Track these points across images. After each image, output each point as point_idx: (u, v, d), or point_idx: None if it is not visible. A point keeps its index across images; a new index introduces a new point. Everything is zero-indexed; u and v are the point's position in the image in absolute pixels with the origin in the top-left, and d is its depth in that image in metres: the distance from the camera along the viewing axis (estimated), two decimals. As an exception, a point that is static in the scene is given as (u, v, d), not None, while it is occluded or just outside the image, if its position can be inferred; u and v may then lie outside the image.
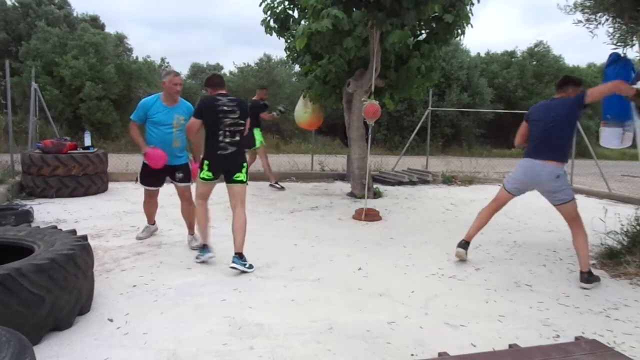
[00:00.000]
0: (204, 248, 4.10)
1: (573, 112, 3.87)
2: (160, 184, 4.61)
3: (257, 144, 7.98)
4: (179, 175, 4.52)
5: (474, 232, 4.32)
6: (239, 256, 3.86)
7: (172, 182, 4.58)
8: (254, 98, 8.19)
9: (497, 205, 4.31)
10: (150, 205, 4.77)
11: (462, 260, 4.30)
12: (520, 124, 4.27)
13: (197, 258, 4.10)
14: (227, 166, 3.94)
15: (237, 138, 3.94)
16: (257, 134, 7.96)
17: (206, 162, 3.94)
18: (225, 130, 3.88)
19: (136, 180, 4.64)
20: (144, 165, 4.46)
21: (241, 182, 3.97)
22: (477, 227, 4.32)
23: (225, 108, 3.88)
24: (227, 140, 3.89)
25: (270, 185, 8.21)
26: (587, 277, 3.81)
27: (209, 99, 3.94)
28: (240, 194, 3.99)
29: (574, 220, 3.94)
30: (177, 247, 4.55)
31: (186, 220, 4.65)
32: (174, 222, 5.45)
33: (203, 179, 3.97)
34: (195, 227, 4.45)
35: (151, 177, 4.52)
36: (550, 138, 3.92)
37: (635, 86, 3.83)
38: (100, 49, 14.46)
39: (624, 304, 3.47)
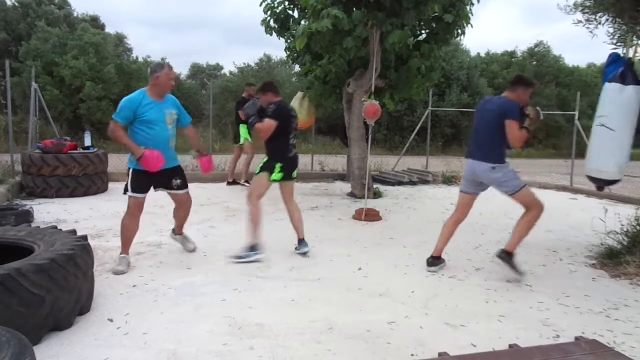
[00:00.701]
0: (255, 247, 4.22)
1: (498, 117, 3.80)
2: (149, 190, 4.03)
3: (242, 140, 8.17)
4: (177, 182, 4.08)
5: (442, 246, 4.16)
6: (303, 240, 4.47)
7: (166, 191, 4.11)
8: (243, 95, 8.26)
9: (459, 213, 4.18)
10: (136, 223, 3.96)
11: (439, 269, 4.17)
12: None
13: (243, 258, 4.15)
14: (295, 166, 4.37)
15: (296, 141, 4.45)
16: (243, 130, 8.11)
17: (279, 164, 4.22)
18: (293, 134, 4.34)
19: (125, 192, 3.93)
20: (135, 172, 3.86)
21: (294, 178, 4.46)
22: (445, 240, 4.17)
23: (293, 114, 4.38)
24: (293, 142, 4.36)
25: (236, 182, 8.38)
26: (505, 257, 3.86)
27: (283, 105, 4.34)
28: (293, 188, 4.53)
29: (529, 208, 3.87)
30: (177, 247, 4.55)
31: (178, 221, 4.36)
32: (173, 222, 5.45)
33: (274, 180, 4.27)
34: (184, 229, 4.47)
35: (144, 184, 3.92)
36: (479, 137, 3.95)
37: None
38: (100, 49, 14.46)
39: (624, 304, 3.47)
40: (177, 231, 4.47)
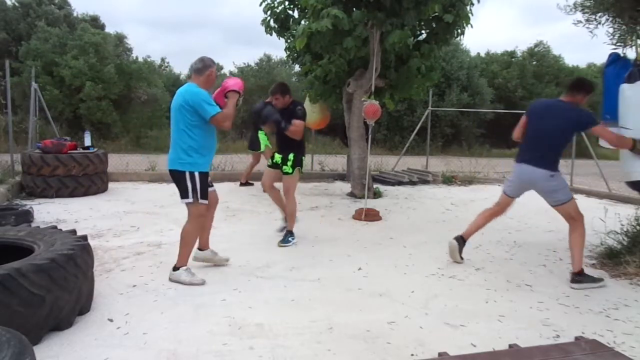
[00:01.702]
0: (293, 234, 4.79)
1: (570, 129, 3.79)
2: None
3: (262, 147, 8.03)
4: (209, 179, 3.77)
5: (473, 231, 4.26)
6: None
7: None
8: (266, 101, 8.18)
9: (499, 209, 4.25)
10: (199, 233, 3.80)
11: (455, 257, 4.25)
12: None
13: (288, 242, 4.67)
14: None
15: None
16: (262, 136, 8.02)
17: (303, 158, 4.73)
18: None
19: (195, 198, 3.55)
20: (202, 175, 3.57)
21: None
22: (477, 227, 4.26)
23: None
24: None
25: (249, 183, 8.47)
26: (578, 278, 3.79)
27: (302, 104, 4.65)
28: None
29: (573, 219, 3.90)
30: (177, 247, 4.54)
31: (207, 230, 4.00)
32: (174, 222, 5.46)
33: (301, 173, 4.82)
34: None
35: (206, 188, 3.65)
36: (541, 143, 3.84)
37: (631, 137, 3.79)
38: (100, 49, 14.45)
39: (624, 304, 3.47)
40: (204, 246, 4.01)
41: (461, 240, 4.25)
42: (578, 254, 3.83)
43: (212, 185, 3.88)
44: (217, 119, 3.48)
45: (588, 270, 4.25)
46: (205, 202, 3.62)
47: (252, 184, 8.38)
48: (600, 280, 3.84)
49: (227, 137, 15.23)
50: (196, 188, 3.54)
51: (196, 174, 3.53)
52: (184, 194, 3.57)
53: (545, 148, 3.82)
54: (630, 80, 4.09)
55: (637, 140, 3.78)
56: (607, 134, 3.76)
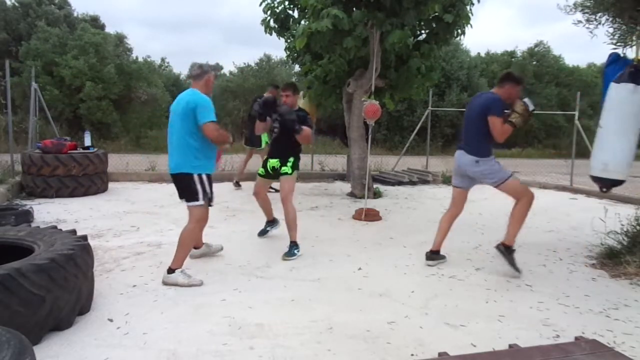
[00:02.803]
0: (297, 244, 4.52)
1: (481, 114, 3.88)
2: None
3: (263, 144, 7.89)
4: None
5: (440, 239, 4.25)
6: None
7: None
8: (265, 94, 8.10)
9: (455, 208, 4.25)
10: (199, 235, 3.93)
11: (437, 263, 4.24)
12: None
13: (293, 255, 4.36)
14: None
15: None
16: (264, 134, 7.87)
17: (298, 162, 4.66)
18: None
19: (207, 202, 3.64)
20: (209, 177, 3.64)
21: None
22: (442, 234, 4.25)
23: None
24: None
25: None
26: (505, 250, 3.93)
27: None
28: None
29: (519, 194, 3.93)
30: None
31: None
32: (173, 222, 5.46)
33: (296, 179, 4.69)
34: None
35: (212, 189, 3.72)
36: (467, 131, 4.04)
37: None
38: (100, 49, 14.45)
39: (624, 304, 3.47)
40: (199, 244, 4.14)
41: (432, 255, 4.23)
42: (513, 230, 3.94)
43: None
44: (210, 127, 3.48)
45: (588, 270, 4.27)
46: (211, 205, 3.68)
47: (240, 186, 8.22)
48: (518, 270, 3.95)
49: (227, 137, 15.21)
50: (206, 190, 3.59)
51: (204, 176, 3.58)
52: (193, 197, 3.58)
53: (470, 135, 4.01)
54: (619, 80, 4.11)
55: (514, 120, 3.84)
56: (496, 127, 3.82)
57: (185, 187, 3.60)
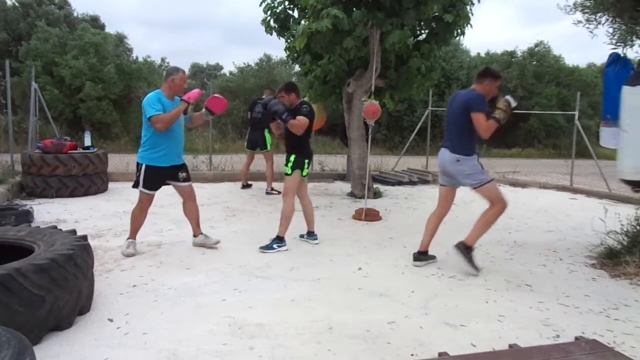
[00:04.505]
0: (283, 240, 4.55)
1: (463, 111, 3.85)
2: (161, 186, 4.33)
3: (269, 146, 7.84)
4: (183, 174, 4.36)
5: (428, 240, 4.25)
6: (313, 233, 4.92)
7: (172, 184, 4.37)
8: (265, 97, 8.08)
9: (441, 206, 4.25)
10: (144, 215, 4.35)
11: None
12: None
13: (270, 249, 4.43)
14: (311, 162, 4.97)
15: None
16: (268, 136, 7.78)
17: (307, 160, 4.60)
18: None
19: (136, 186, 4.22)
20: (147, 169, 4.15)
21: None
22: (430, 234, 4.25)
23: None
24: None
25: (268, 192, 7.83)
26: (464, 250, 3.93)
27: (310, 105, 4.62)
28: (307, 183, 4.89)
29: (493, 200, 3.92)
30: (177, 247, 4.55)
31: (192, 220, 4.53)
32: (174, 222, 5.46)
33: (305, 175, 4.62)
34: (194, 226, 4.60)
35: (156, 180, 4.23)
36: (449, 129, 4.04)
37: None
38: (100, 49, 14.46)
39: (624, 304, 3.47)
40: (196, 232, 4.56)
41: (420, 255, 4.24)
42: (478, 231, 3.94)
43: (188, 181, 4.41)
44: (152, 120, 3.99)
45: (588, 270, 4.27)
46: (146, 191, 4.21)
47: (250, 185, 8.30)
48: (477, 269, 3.95)
49: (227, 137, 15.24)
50: (139, 179, 4.19)
51: (143, 166, 4.14)
52: (135, 183, 4.26)
53: (452, 133, 4.00)
54: (631, 82, 4.08)
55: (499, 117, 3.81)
56: (481, 123, 3.78)
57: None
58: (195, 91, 4.25)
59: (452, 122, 4.00)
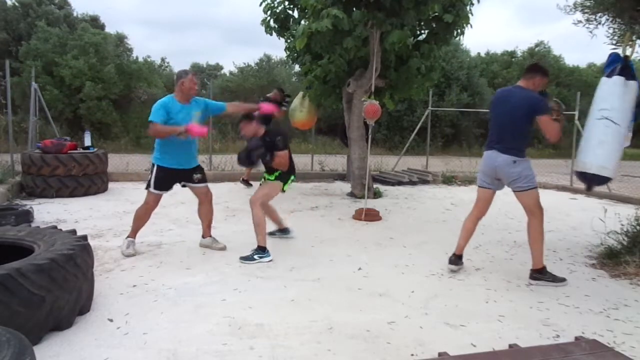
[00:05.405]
0: (265, 250, 4.28)
1: (526, 114, 3.70)
2: (170, 188, 4.34)
3: None
4: (197, 176, 4.35)
5: (463, 243, 4.11)
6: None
7: (188, 186, 4.37)
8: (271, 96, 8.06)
9: (479, 208, 4.10)
10: (148, 216, 4.36)
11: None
12: None
13: (251, 260, 4.15)
14: None
15: None
16: None
17: (292, 177, 4.50)
18: None
19: (148, 187, 4.25)
20: (159, 169, 4.18)
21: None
22: (465, 237, 4.11)
23: (285, 130, 4.66)
24: None
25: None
26: (538, 276, 3.82)
27: (279, 127, 4.62)
28: None
29: (531, 212, 3.83)
30: (177, 247, 4.55)
31: (205, 222, 4.52)
32: (174, 222, 5.46)
33: (284, 190, 4.50)
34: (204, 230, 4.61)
35: (166, 181, 4.25)
36: (503, 130, 3.81)
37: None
38: (101, 49, 14.46)
39: (624, 304, 3.47)
40: (205, 234, 4.57)
41: (457, 259, 4.11)
42: (538, 251, 3.84)
43: (203, 182, 4.40)
44: (149, 125, 4.06)
45: (588, 270, 4.26)
46: (155, 191, 4.25)
47: (251, 185, 8.32)
48: (562, 280, 3.83)
49: (227, 137, 15.23)
50: (150, 179, 4.24)
51: (155, 166, 4.20)
52: (147, 184, 4.31)
53: (506, 134, 3.79)
54: (627, 76, 4.06)
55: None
56: (553, 127, 3.69)
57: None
58: (198, 127, 4.09)
59: (508, 122, 3.77)
